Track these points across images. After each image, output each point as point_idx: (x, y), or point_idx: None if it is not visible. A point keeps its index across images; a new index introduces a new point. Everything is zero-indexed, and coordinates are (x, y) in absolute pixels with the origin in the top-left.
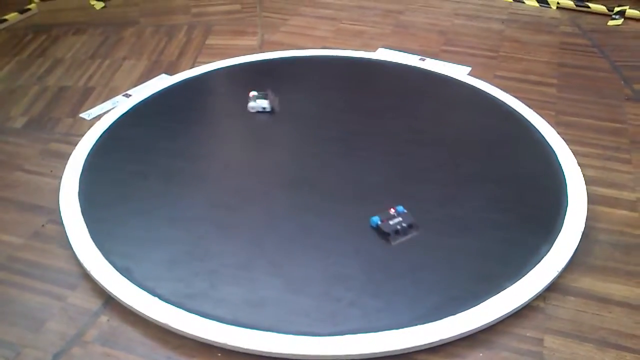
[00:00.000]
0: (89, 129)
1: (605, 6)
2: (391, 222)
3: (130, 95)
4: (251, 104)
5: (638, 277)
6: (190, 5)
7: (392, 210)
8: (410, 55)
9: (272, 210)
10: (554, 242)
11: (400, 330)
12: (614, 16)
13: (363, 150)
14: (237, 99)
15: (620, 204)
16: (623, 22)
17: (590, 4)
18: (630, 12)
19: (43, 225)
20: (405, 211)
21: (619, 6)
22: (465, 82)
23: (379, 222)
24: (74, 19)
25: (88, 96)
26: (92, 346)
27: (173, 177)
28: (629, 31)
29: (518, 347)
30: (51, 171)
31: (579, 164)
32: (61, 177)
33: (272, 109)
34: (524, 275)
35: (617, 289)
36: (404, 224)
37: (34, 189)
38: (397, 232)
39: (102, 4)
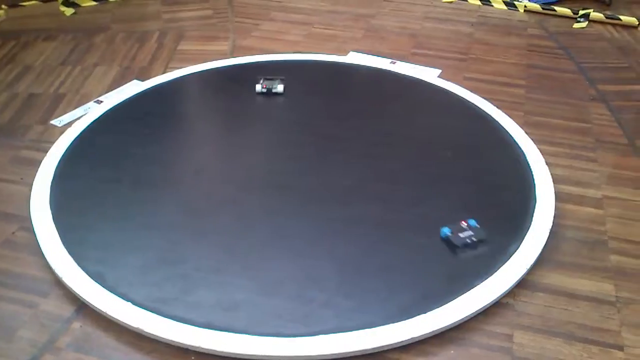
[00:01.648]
0: (60, 135)
1: (570, 9)
2: (461, 235)
3: (101, 102)
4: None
5: (604, 272)
6: (162, 11)
7: (463, 223)
8: (381, 58)
9: (245, 214)
10: (523, 239)
11: (373, 329)
12: (578, 19)
13: (335, 153)
14: (209, 104)
15: (587, 202)
16: (587, 24)
17: (556, 7)
18: (594, 15)
19: (13, 233)
20: (478, 226)
21: (583, 9)
22: (435, 85)
23: (449, 234)
24: (44, 25)
25: (59, 103)
26: (64, 353)
27: (145, 183)
28: (593, 33)
29: (488, 344)
30: (22, 178)
31: (547, 163)
32: (32, 184)
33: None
34: (493, 273)
35: (584, 284)
36: (474, 239)
37: (4, 197)
38: (466, 245)
39: (72, 10)
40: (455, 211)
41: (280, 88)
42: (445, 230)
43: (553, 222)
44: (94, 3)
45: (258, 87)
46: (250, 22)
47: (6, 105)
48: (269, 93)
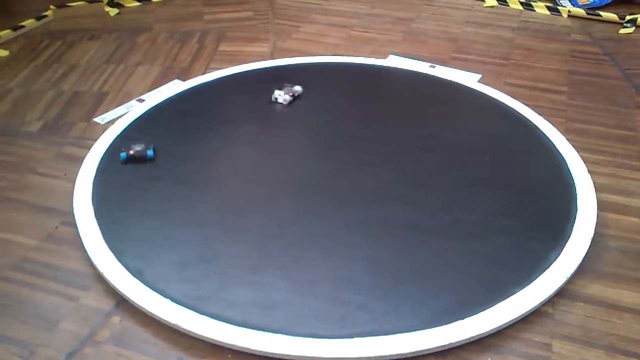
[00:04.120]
0: (102, 133)
1: (616, 14)
2: (139, 149)
3: (143, 100)
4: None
5: None
6: (203, 12)
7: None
8: (420, 62)
9: (281, 214)
10: (564, 248)
11: (410, 333)
12: (625, 24)
13: (372, 155)
14: (248, 104)
15: (631, 211)
16: (634, 30)
17: (601, 12)
18: None
19: (57, 227)
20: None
21: (630, 14)
22: (475, 89)
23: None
24: (89, 25)
25: (102, 101)
26: (104, 346)
27: (184, 180)
28: None
29: (526, 352)
30: (65, 174)
31: (589, 171)
32: (75, 180)
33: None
34: (533, 281)
35: (627, 295)
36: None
37: (48, 192)
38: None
39: (116, 11)
40: (493, 217)
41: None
42: (123, 155)
43: (595, 231)
44: (138, 4)
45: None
46: (291, 24)
47: (52, 102)
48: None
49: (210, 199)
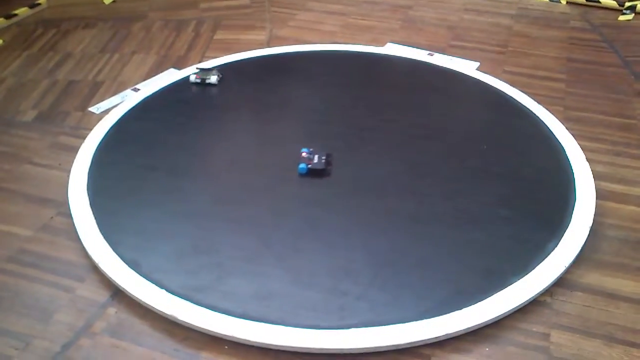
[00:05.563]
0: (97, 122)
1: (615, 1)
2: (316, 160)
3: (139, 89)
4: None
5: None
6: (199, 0)
7: (304, 154)
8: (418, 50)
9: (279, 204)
10: (562, 237)
11: (407, 324)
12: (624, 11)
13: (370, 145)
14: (244, 93)
15: (630, 200)
16: (634, 17)
17: None
18: None
19: (52, 218)
20: (310, 149)
21: (629, 1)
22: (473, 77)
23: (309, 166)
24: (84, 14)
25: (97, 90)
26: (100, 337)
27: (181, 170)
28: None
29: (524, 342)
30: (60, 164)
31: (588, 160)
32: (70, 170)
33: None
34: (530, 270)
35: (625, 284)
36: (323, 158)
37: (43, 182)
38: (328, 163)
39: None
40: (491, 206)
41: (214, 79)
42: (303, 166)
43: (593, 220)
44: None
45: (192, 78)
46: (287, 12)
47: (46, 91)
48: (203, 84)
49: (209, 189)
